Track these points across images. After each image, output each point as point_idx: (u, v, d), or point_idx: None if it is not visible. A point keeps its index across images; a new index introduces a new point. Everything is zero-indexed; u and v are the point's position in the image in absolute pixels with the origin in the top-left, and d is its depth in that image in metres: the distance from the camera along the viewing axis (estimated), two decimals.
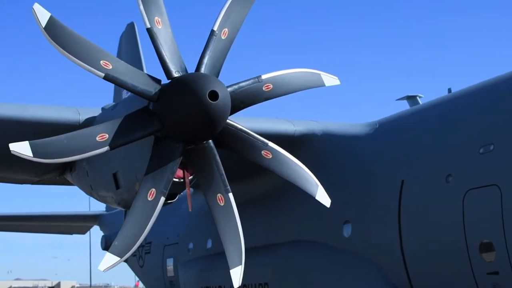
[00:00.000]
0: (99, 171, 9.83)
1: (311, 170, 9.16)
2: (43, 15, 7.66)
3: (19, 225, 25.49)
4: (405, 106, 14.51)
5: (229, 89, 8.43)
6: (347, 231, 11.86)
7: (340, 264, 11.97)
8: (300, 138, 12.69)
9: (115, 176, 9.35)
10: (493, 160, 9.84)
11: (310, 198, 9.07)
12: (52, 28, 7.69)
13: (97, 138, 7.90)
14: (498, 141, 9.88)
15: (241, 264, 8.29)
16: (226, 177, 8.58)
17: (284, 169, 8.92)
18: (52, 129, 9.38)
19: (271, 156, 8.87)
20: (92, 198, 11.02)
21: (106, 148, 7.92)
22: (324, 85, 9.60)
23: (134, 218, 8.00)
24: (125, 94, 16.80)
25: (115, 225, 21.21)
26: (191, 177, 8.84)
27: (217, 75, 8.60)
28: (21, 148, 7.45)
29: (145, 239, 8.30)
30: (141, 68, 20.09)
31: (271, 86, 8.91)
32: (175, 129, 8.23)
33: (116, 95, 21.77)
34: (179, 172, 8.65)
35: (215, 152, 8.59)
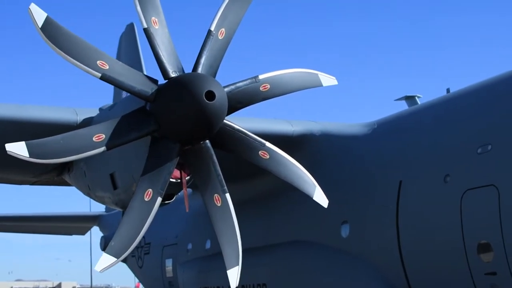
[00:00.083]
0: (96, 171, 9.82)
1: (309, 171, 9.13)
2: (39, 15, 7.67)
3: (18, 225, 25.46)
4: (403, 106, 14.53)
5: (226, 89, 8.43)
6: (345, 231, 11.84)
7: (338, 265, 11.96)
8: (298, 138, 12.68)
9: (112, 176, 9.35)
10: (491, 161, 9.83)
11: (308, 199, 9.05)
12: (48, 28, 7.71)
13: (93, 139, 7.90)
14: (496, 141, 9.87)
15: (238, 264, 8.26)
16: (224, 177, 8.55)
17: (281, 170, 8.90)
18: (49, 129, 9.34)
19: (268, 157, 8.84)
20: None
21: (102, 149, 7.91)
22: (321, 85, 9.57)
23: (130, 219, 7.98)
24: (125, 94, 16.74)
25: (115, 226, 21.05)
26: (188, 177, 8.84)
27: (214, 75, 8.59)
28: (17, 149, 7.44)
29: (144, 239, 8.30)
30: (140, 69, 20.11)
31: (269, 86, 8.90)
32: (172, 129, 8.22)
33: (116, 95, 21.72)
34: (176, 173, 8.63)
35: (212, 152, 8.56)
